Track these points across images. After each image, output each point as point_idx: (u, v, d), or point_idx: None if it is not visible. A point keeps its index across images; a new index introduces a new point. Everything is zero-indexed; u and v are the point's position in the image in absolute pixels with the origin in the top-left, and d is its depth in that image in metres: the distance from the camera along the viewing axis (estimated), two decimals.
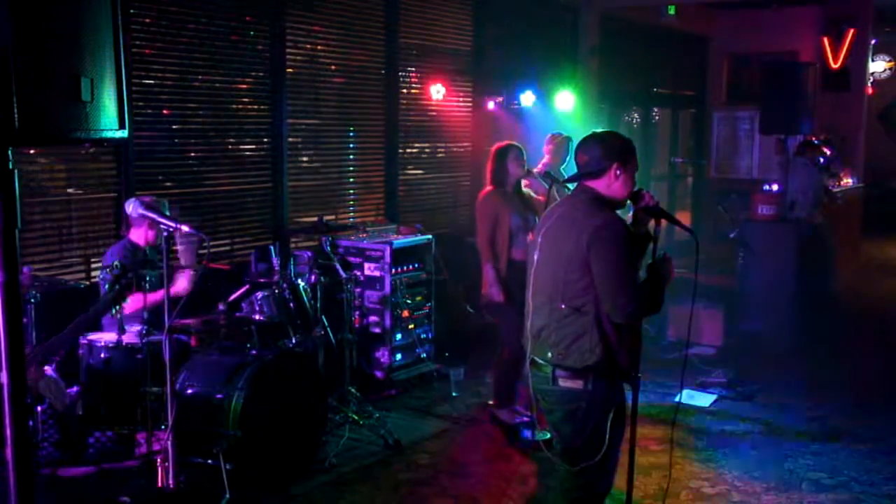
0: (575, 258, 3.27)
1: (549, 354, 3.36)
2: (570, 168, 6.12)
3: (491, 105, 8.36)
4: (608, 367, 3.31)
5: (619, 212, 3.46)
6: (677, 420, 5.88)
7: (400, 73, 7.58)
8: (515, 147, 5.70)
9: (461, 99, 8.30)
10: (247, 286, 5.38)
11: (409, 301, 6.61)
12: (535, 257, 3.46)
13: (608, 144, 3.43)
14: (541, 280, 3.43)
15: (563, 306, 3.31)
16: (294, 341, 5.19)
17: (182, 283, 4.88)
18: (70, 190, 5.44)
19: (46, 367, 4.27)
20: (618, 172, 3.39)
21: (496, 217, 5.52)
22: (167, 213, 4.46)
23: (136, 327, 4.59)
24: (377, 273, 6.46)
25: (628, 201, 3.51)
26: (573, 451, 3.41)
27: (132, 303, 4.58)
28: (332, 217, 7.08)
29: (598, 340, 3.27)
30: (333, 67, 7.10)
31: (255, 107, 6.49)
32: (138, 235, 5.01)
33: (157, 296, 4.62)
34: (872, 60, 13.74)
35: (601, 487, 3.49)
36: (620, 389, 3.42)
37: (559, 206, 3.60)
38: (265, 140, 6.50)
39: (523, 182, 5.74)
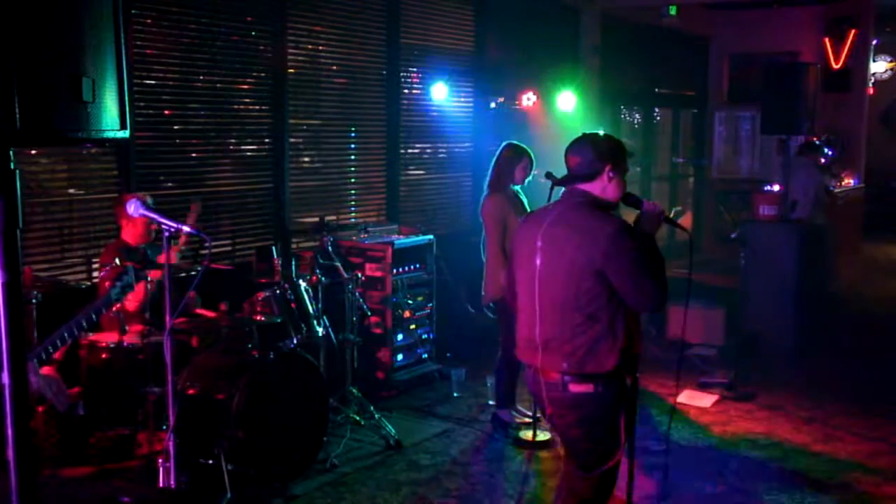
0: (588, 267, 3.21)
1: (564, 365, 3.29)
2: None
3: (492, 105, 8.36)
4: (619, 370, 3.31)
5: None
6: (678, 421, 5.89)
7: (401, 74, 7.58)
8: (528, 156, 5.58)
9: (462, 99, 8.29)
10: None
11: (410, 301, 6.61)
12: (538, 263, 3.37)
13: (600, 146, 3.39)
14: (549, 288, 3.35)
15: (578, 315, 3.26)
16: (295, 342, 5.19)
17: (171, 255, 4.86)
18: (71, 190, 5.44)
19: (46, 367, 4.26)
20: (611, 175, 3.36)
21: (505, 221, 5.48)
22: (152, 208, 4.46)
23: (138, 327, 4.59)
24: (378, 273, 6.45)
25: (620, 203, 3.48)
26: (588, 456, 3.39)
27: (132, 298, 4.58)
28: (334, 217, 7.07)
29: (613, 346, 3.25)
30: (335, 68, 7.09)
31: (257, 107, 6.49)
32: (130, 234, 4.99)
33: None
34: (874, 61, 13.74)
35: (610, 486, 3.48)
36: (627, 389, 3.41)
37: (551, 209, 3.50)
38: (266, 140, 6.50)
39: None
